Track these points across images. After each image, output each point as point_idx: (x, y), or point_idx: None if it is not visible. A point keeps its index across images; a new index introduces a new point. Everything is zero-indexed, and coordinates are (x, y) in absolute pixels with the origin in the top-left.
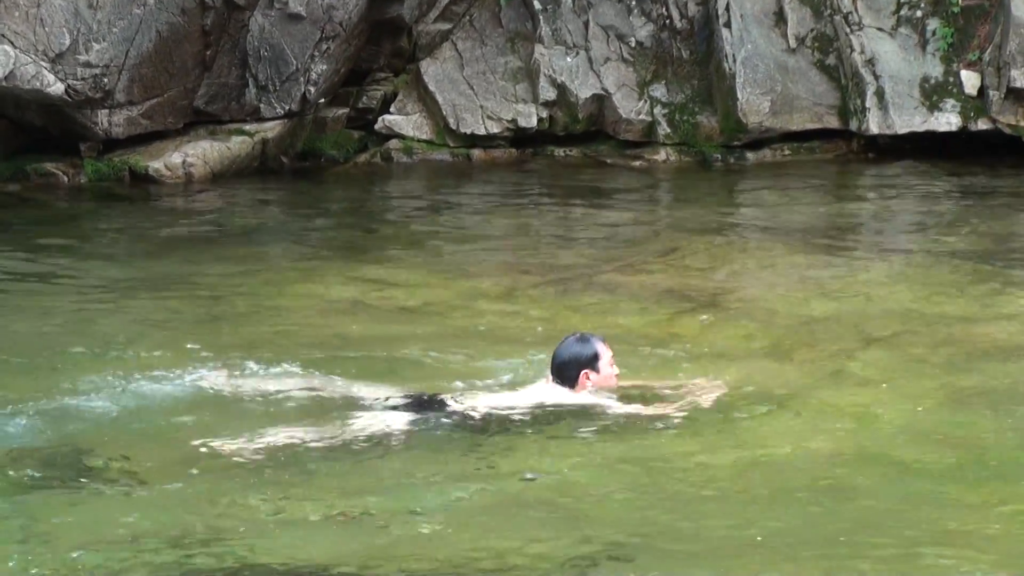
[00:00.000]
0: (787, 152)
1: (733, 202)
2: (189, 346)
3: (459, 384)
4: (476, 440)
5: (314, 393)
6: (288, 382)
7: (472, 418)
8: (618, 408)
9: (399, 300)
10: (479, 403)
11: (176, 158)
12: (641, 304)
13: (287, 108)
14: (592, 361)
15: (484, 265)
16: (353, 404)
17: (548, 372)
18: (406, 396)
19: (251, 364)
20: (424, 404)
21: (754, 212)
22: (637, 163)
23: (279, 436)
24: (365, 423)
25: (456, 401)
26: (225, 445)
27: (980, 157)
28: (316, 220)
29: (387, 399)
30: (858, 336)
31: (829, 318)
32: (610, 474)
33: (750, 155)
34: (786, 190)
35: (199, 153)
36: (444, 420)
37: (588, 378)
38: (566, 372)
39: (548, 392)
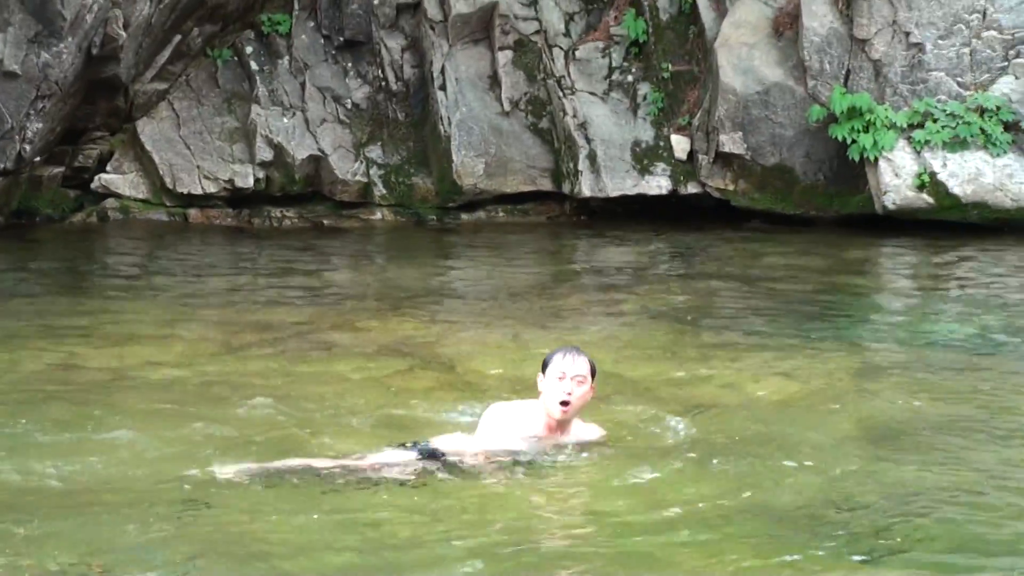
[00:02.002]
0: (501, 214)
1: (447, 263)
2: None
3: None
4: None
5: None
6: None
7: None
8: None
9: (113, 361)
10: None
11: None
12: (358, 362)
13: (2, 166)
14: (544, 368)
15: (200, 324)
16: None
17: None
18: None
19: None
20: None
21: (467, 273)
22: (354, 224)
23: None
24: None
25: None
26: None
27: (689, 220)
28: (29, 281)
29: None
30: None
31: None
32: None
33: (465, 216)
34: (499, 251)
35: None
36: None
37: (539, 383)
38: None
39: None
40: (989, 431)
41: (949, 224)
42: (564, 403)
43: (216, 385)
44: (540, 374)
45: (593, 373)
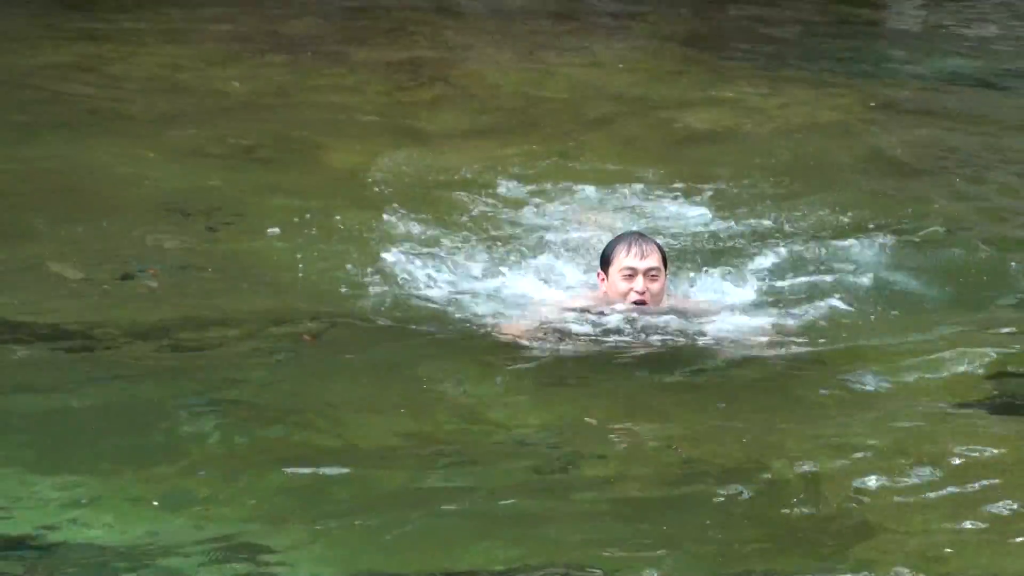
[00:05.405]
0: None
1: None
2: None
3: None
4: None
5: None
6: None
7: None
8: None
9: (120, 64)
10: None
11: None
12: (370, 77)
13: None
14: (604, 263)
15: (208, 33)
16: None
17: None
18: None
19: None
20: None
21: None
22: None
23: None
24: None
25: None
26: None
27: None
28: None
29: None
30: (578, 118)
31: (551, 99)
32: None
33: None
34: None
35: None
36: None
37: (602, 280)
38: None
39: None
40: (995, 163)
41: None
42: (639, 302)
43: (230, 92)
44: (600, 271)
45: (664, 261)
